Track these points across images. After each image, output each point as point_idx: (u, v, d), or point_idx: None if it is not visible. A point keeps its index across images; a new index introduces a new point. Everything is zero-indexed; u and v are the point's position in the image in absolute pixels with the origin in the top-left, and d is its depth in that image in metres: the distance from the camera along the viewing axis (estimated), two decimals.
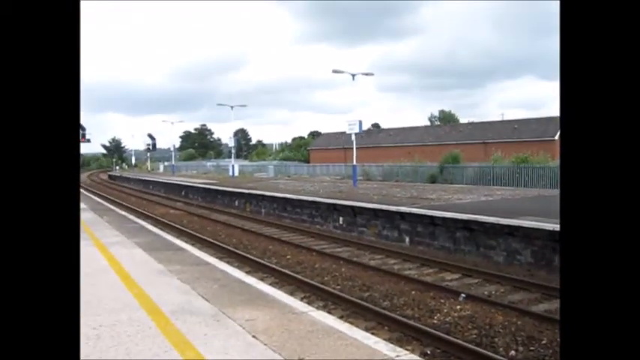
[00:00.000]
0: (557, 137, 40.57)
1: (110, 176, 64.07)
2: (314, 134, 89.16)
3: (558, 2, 2.15)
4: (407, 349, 4.92)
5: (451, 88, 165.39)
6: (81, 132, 26.94)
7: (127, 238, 10.38)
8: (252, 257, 11.50)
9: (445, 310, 7.55)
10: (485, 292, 8.83)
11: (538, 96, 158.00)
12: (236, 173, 42.11)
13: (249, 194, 23.02)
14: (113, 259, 7.94)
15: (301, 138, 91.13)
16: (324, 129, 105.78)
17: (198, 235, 14.96)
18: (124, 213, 16.44)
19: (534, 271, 10.19)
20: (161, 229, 13.65)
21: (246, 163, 67.66)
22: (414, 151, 41.63)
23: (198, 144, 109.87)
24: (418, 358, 4.29)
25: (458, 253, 12.26)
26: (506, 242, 11.25)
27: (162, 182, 38.13)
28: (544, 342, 6.28)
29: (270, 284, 7.73)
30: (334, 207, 16.91)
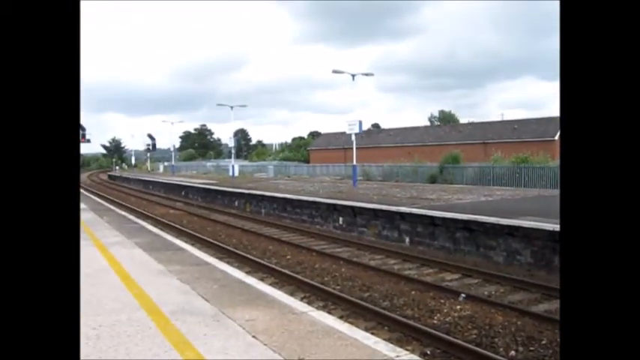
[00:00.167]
0: (557, 137, 40.58)
1: (110, 176, 64.08)
2: (314, 134, 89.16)
3: (558, 2, 2.15)
4: (407, 350, 4.92)
5: (451, 88, 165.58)
6: (81, 132, 26.94)
7: (126, 238, 10.38)
8: (252, 257, 11.50)
9: (445, 311, 7.55)
10: (485, 293, 8.83)
11: (538, 96, 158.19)
12: (236, 173, 42.11)
13: (249, 194, 23.02)
14: (113, 260, 7.94)
15: (301, 138, 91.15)
16: (324, 129, 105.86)
17: (198, 235, 14.96)
18: (123, 213, 16.44)
19: (534, 272, 10.19)
20: (161, 229, 13.65)
21: (246, 163, 67.67)
22: (414, 152, 41.64)
23: (198, 144, 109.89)
24: (418, 358, 4.29)
25: (458, 253, 12.26)
26: (506, 242, 11.25)
27: (162, 182, 38.13)
28: (544, 342, 6.28)
29: (270, 284, 7.73)
30: (334, 207, 16.91)
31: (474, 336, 6.53)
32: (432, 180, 30.14)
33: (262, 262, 11.02)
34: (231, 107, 42.72)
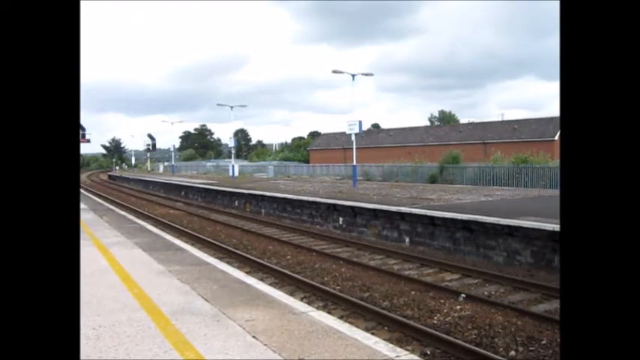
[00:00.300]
0: (557, 137, 40.58)
1: (110, 176, 64.08)
2: (314, 134, 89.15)
3: (558, 2, 2.15)
4: (407, 350, 4.92)
5: (451, 88, 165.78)
6: (81, 132, 26.95)
7: (126, 238, 10.38)
8: (252, 257, 11.50)
9: (445, 311, 7.55)
10: (485, 293, 8.83)
11: (538, 96, 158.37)
12: (236, 173, 42.08)
13: (249, 194, 23.02)
14: (113, 260, 7.93)
15: (301, 138, 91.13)
16: (324, 129, 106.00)
17: (198, 235, 14.96)
18: (123, 213, 16.44)
19: (534, 272, 10.19)
20: (161, 229, 13.64)
21: (246, 163, 67.66)
22: (414, 152, 41.64)
23: (198, 144, 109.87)
24: (418, 358, 4.29)
25: (458, 253, 12.26)
26: (506, 242, 11.25)
27: (161, 182, 38.12)
28: (544, 342, 6.28)
29: (270, 284, 7.73)
30: (334, 207, 16.91)
31: (474, 336, 6.53)
32: (432, 180, 30.15)
33: (262, 262, 11.02)
34: (231, 107, 42.69)
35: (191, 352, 4.00)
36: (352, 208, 16.02)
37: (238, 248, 12.94)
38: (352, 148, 26.55)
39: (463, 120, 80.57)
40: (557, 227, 9.97)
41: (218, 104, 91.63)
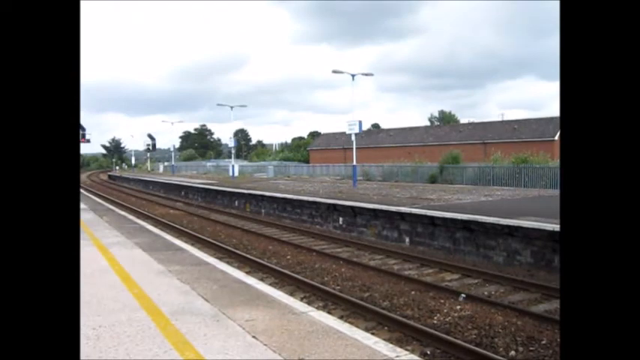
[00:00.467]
0: (557, 137, 40.58)
1: (110, 176, 64.09)
2: (314, 134, 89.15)
3: (558, 2, 2.15)
4: (407, 350, 4.92)
5: (451, 88, 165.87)
6: (81, 132, 26.95)
7: (126, 238, 10.38)
8: (252, 257, 11.50)
9: (445, 311, 7.55)
10: (485, 293, 8.83)
11: (538, 96, 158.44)
12: (236, 173, 42.08)
13: (249, 194, 23.02)
14: (113, 260, 7.93)
15: (301, 138, 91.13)
16: (324, 129, 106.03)
17: (198, 235, 14.96)
18: (123, 213, 16.44)
19: (534, 272, 10.19)
20: (161, 229, 13.64)
21: (245, 163, 67.66)
22: (414, 152, 41.64)
23: (198, 144, 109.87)
24: (418, 358, 4.29)
25: (458, 253, 12.26)
26: (506, 242, 11.25)
27: (161, 182, 38.12)
28: (544, 342, 6.28)
29: (270, 284, 7.74)
30: (334, 207, 16.91)
31: (474, 336, 6.53)
32: (432, 180, 30.15)
33: (262, 262, 11.02)
34: (231, 107, 42.69)
35: (191, 352, 4.00)
36: (352, 208, 16.02)
37: (238, 248, 12.94)
38: (352, 148, 26.55)
39: (463, 120, 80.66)
40: (557, 227, 9.97)
41: (218, 104, 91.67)
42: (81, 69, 2.38)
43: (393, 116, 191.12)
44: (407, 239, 13.84)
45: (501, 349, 6.14)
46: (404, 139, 54.21)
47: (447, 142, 47.31)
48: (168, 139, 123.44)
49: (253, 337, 4.34)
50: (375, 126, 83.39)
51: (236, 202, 24.13)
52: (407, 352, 4.26)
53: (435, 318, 7.26)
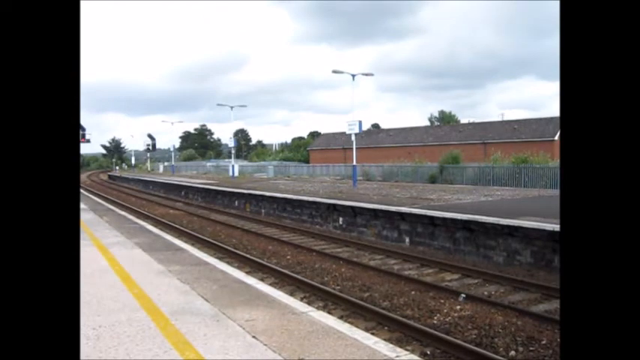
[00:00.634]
0: (557, 137, 40.57)
1: (110, 176, 64.08)
2: (314, 134, 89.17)
3: (558, 2, 2.15)
4: (407, 350, 4.92)
5: (451, 88, 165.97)
6: (81, 132, 26.94)
7: (126, 238, 10.38)
8: (252, 257, 11.50)
9: (445, 311, 7.55)
10: (485, 293, 8.83)
11: (538, 96, 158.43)
12: (236, 173, 42.08)
13: (249, 194, 23.02)
14: (113, 260, 7.93)
15: (301, 138, 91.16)
16: (324, 129, 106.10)
17: (198, 235, 14.96)
18: (123, 213, 16.44)
19: (534, 272, 10.19)
20: (161, 229, 13.64)
21: (245, 163, 67.64)
22: (414, 152, 41.64)
23: (198, 144, 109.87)
24: (418, 358, 4.29)
25: (458, 253, 12.26)
26: (506, 242, 11.25)
27: (161, 182, 38.12)
28: (544, 342, 6.28)
29: (270, 284, 7.73)
30: (334, 207, 16.91)
31: (474, 336, 6.53)
32: (432, 180, 30.15)
33: (262, 262, 11.02)
34: (231, 107, 42.71)
35: (191, 352, 4.00)
36: (352, 208, 16.02)
37: (238, 248, 12.94)
38: (352, 148, 26.55)
39: (463, 120, 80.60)
40: (557, 227, 9.97)
41: (218, 104, 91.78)
42: (81, 69, 2.38)
43: (393, 116, 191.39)
44: (407, 239, 13.84)
45: (501, 349, 6.13)
46: (404, 139, 54.21)
47: (447, 142, 47.30)
48: (169, 139, 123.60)
49: (253, 337, 4.34)
50: (375, 126, 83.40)
51: (236, 202, 24.13)
52: (407, 352, 4.26)
53: (435, 318, 7.26)
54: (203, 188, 29.09)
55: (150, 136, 60.46)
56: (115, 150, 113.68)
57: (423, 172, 31.97)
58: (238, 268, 9.37)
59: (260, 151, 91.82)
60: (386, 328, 6.89)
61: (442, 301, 8.10)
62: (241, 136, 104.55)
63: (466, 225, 12.12)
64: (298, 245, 13.46)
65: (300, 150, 73.97)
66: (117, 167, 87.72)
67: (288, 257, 11.87)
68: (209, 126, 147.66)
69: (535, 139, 41.78)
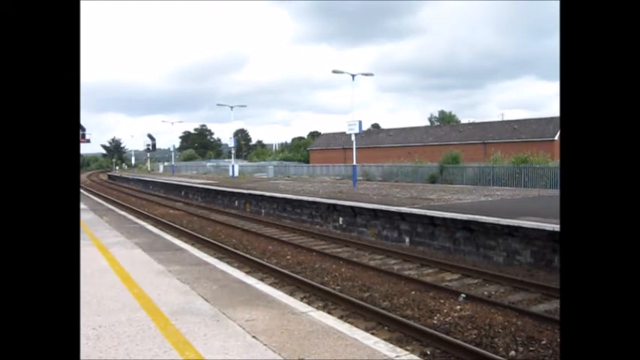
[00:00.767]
0: (557, 137, 40.57)
1: (110, 176, 64.09)
2: (314, 134, 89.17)
3: (558, 2, 2.15)
4: (407, 350, 4.92)
5: (451, 88, 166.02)
6: (81, 132, 26.94)
7: (126, 238, 10.38)
8: (252, 257, 11.50)
9: (445, 311, 7.55)
10: (485, 293, 8.83)
11: (538, 96, 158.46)
12: (236, 173, 42.08)
13: (249, 194, 23.02)
14: (113, 260, 7.93)
15: (301, 138, 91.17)
16: (324, 129, 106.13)
17: (198, 235, 14.96)
18: (123, 213, 16.44)
19: (534, 272, 10.19)
20: (161, 229, 13.64)
21: (245, 163, 67.65)
22: (414, 152, 41.64)
23: (198, 144, 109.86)
24: (418, 358, 4.29)
25: (458, 253, 12.26)
26: (506, 242, 11.25)
27: (161, 182, 38.12)
28: (544, 342, 6.28)
29: (270, 284, 7.74)
30: (334, 207, 16.91)
31: (474, 336, 6.53)
32: (432, 180, 30.15)
33: (262, 262, 11.02)
34: (231, 107, 42.71)
35: (191, 352, 4.00)
36: (352, 208, 16.02)
37: (238, 248, 12.94)
38: (352, 148, 26.55)
39: (463, 120, 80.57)
40: (557, 227, 9.97)
41: (218, 104, 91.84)
42: (81, 69, 2.38)
43: (393, 116, 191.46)
44: (407, 239, 13.84)
45: (501, 349, 6.13)
46: (404, 139, 54.21)
47: (447, 142, 47.30)
48: (169, 139, 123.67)
49: (253, 337, 4.34)
50: (375, 126, 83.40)
51: (236, 202, 24.13)
52: (407, 352, 4.26)
53: (435, 318, 7.26)
54: (203, 188, 29.08)
55: (150, 136, 60.50)
56: (115, 150, 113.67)
57: (423, 172, 31.97)
58: (238, 268, 9.37)
59: (260, 151, 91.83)
60: (386, 328, 6.89)
61: (442, 301, 8.10)
62: (241, 136, 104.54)
63: (466, 225, 12.12)
64: (298, 245, 13.45)
65: (300, 150, 73.97)
66: (117, 167, 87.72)
67: (288, 257, 11.87)
68: (209, 126, 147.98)
69: (535, 139, 41.79)
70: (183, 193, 31.98)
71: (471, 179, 28.50)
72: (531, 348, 6.16)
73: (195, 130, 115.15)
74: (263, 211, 21.43)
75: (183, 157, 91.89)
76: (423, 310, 7.63)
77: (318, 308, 6.50)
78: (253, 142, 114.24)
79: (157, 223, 17.40)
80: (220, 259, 10.00)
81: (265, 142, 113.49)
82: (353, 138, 25.80)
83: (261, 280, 8.33)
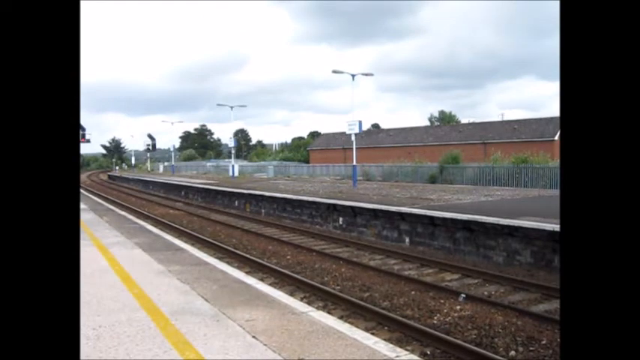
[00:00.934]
0: (557, 137, 40.57)
1: (110, 176, 64.09)
2: (314, 134, 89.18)
3: (558, 2, 2.15)
4: (407, 350, 4.92)
5: (451, 88, 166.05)
6: (81, 132, 26.94)
7: (126, 238, 10.38)
8: (252, 257, 11.50)
9: (445, 311, 7.55)
10: (485, 293, 8.83)
11: (538, 96, 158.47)
12: (236, 173, 42.08)
13: (249, 194, 23.02)
14: (113, 260, 7.93)
15: (301, 138, 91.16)
16: (324, 129, 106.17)
17: (198, 235, 14.95)
18: (123, 213, 16.44)
19: (534, 272, 10.19)
20: (161, 229, 13.64)
21: (245, 163, 67.64)
22: (414, 152, 41.64)
23: (198, 144, 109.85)
24: (418, 358, 4.29)
25: (458, 253, 12.26)
26: (506, 242, 11.25)
27: (161, 182, 38.12)
28: (544, 342, 6.28)
29: (270, 284, 7.74)
30: (334, 207, 16.91)
31: (474, 336, 6.53)
32: (432, 180, 30.15)
33: (262, 262, 11.02)
34: (231, 107, 42.71)
35: (191, 352, 4.00)
36: (352, 208, 16.02)
37: (238, 248, 12.94)
38: (352, 148, 26.55)
39: (463, 120, 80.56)
40: (557, 227, 9.97)
41: (218, 104, 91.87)
42: (81, 69, 2.38)
43: (393, 116, 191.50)
44: (407, 239, 13.84)
45: (501, 349, 6.14)
46: (404, 139, 54.20)
47: (447, 142, 47.30)
48: (169, 139, 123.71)
49: (253, 337, 4.34)
50: (375, 126, 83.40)
51: (236, 202, 24.13)
52: (407, 352, 4.26)
53: (435, 318, 7.26)
54: (203, 188, 29.08)
55: (150, 136, 60.49)
56: (115, 150, 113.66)
57: (423, 172, 31.97)
58: (238, 268, 9.37)
59: (260, 151, 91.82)
60: (386, 328, 6.89)
61: (442, 301, 8.10)
62: (241, 136, 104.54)
63: (466, 225, 12.12)
64: (298, 245, 13.45)
65: (300, 150, 73.97)
66: (117, 167, 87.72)
67: (288, 257, 11.87)
68: (209, 126, 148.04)
69: (535, 139, 41.79)
70: (183, 193, 31.98)
71: (470, 179, 28.50)
72: (531, 348, 6.16)
73: (195, 130, 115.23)
74: (263, 211, 21.43)
75: (183, 157, 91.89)
76: (423, 310, 7.63)
77: (318, 308, 6.50)
78: (253, 142, 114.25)
79: (156, 223, 17.40)
80: (220, 259, 10.00)
81: (265, 142, 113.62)
82: (353, 138, 25.80)
83: (261, 280, 8.33)
